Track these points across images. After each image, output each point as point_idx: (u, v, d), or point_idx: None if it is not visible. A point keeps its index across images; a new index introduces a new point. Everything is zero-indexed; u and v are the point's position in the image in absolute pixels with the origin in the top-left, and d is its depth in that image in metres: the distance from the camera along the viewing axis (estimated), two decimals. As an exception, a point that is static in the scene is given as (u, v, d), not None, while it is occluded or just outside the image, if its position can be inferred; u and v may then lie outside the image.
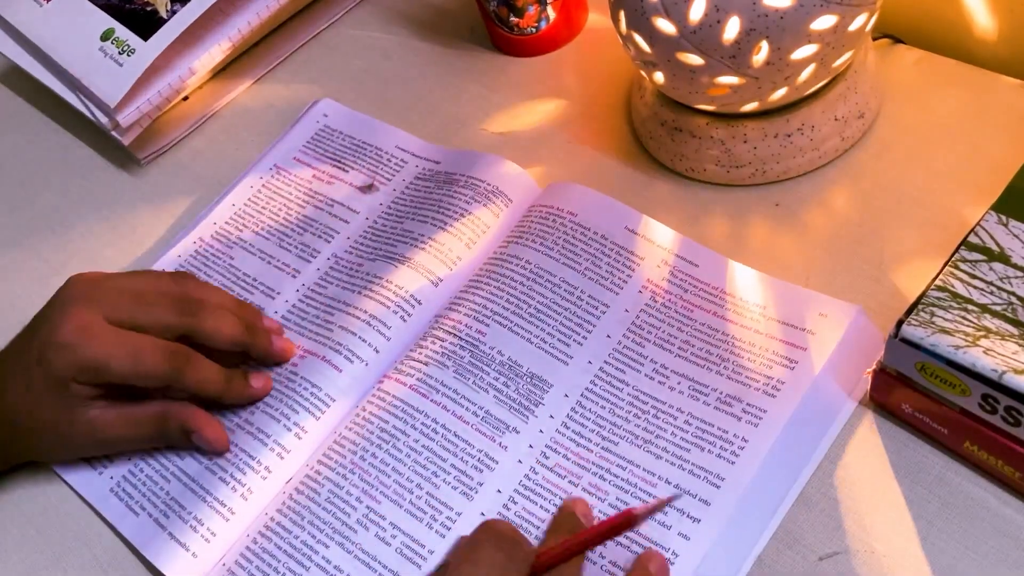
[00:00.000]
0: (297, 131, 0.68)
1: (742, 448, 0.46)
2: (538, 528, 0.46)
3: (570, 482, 0.47)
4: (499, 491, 0.48)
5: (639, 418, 0.48)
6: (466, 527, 0.47)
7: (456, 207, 0.59)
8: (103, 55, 0.68)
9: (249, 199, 0.65)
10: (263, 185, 0.65)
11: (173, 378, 0.50)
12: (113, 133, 0.68)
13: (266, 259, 0.61)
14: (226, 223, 0.64)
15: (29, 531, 0.53)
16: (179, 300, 0.52)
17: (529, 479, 0.48)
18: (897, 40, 0.61)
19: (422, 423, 0.50)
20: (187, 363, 0.51)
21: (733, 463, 0.46)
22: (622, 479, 0.47)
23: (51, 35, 0.71)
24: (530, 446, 0.49)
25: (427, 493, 0.48)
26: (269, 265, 0.61)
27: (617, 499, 0.46)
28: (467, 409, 0.50)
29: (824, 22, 0.48)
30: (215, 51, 0.70)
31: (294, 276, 0.60)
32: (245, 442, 0.52)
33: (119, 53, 0.67)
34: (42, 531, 0.53)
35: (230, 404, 0.53)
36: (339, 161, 0.65)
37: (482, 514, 0.47)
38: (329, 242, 0.61)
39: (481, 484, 0.48)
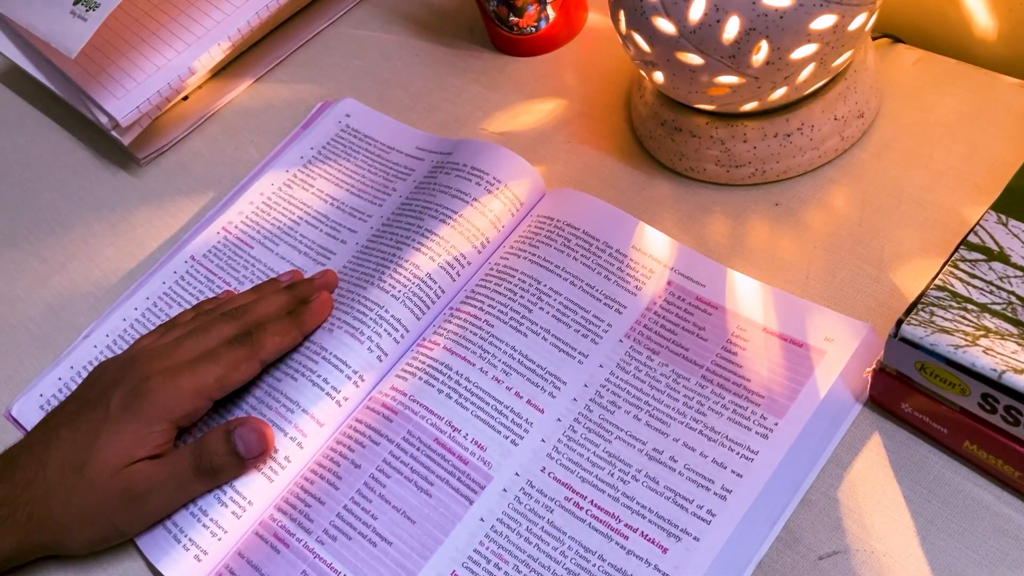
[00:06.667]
0: (318, 130, 0.67)
1: (751, 460, 0.46)
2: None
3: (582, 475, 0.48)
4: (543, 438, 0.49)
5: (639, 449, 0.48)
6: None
7: (464, 199, 0.58)
8: (72, 16, 0.68)
9: (267, 198, 0.64)
10: (283, 183, 0.65)
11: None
12: (113, 133, 0.69)
13: (280, 257, 0.62)
14: (243, 221, 0.64)
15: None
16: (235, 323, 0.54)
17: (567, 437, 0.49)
18: (897, 40, 0.61)
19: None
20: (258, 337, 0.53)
21: (741, 476, 0.46)
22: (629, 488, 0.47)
23: (25, 6, 0.71)
24: (558, 419, 0.50)
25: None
26: (284, 262, 0.61)
27: (628, 499, 0.47)
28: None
29: (824, 22, 0.48)
30: (215, 51, 0.70)
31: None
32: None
33: (86, 11, 0.68)
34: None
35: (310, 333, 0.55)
36: (356, 162, 0.65)
37: (516, 474, 0.48)
38: (344, 243, 0.61)
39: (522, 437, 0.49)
